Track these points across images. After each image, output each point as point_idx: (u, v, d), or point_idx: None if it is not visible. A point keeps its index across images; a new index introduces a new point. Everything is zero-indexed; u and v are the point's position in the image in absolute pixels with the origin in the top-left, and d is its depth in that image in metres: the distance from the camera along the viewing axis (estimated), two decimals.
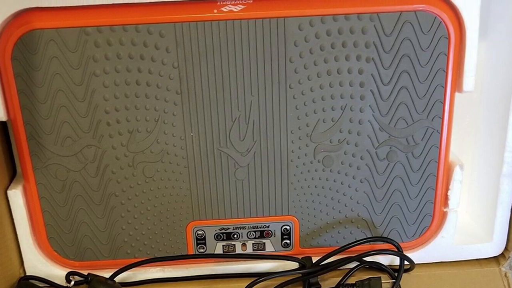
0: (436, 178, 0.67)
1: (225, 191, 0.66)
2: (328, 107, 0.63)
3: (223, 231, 0.69)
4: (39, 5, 0.57)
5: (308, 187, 0.67)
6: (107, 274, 0.67)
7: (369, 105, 0.63)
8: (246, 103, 0.62)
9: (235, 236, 0.69)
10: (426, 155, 0.65)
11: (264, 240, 0.70)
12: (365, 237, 0.69)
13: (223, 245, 0.69)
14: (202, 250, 0.69)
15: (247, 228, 0.69)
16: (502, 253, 0.72)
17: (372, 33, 0.60)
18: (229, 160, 0.65)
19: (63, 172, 0.64)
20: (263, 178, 0.66)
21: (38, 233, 0.67)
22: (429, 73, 0.62)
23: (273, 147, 0.64)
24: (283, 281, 0.67)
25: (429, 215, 0.68)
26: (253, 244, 0.70)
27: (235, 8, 0.59)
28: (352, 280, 0.67)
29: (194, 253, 0.69)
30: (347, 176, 0.66)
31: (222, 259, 0.70)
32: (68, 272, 0.67)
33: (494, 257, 0.72)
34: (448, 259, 0.71)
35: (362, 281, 0.67)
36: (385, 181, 0.67)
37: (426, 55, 0.61)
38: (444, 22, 0.60)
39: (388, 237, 0.69)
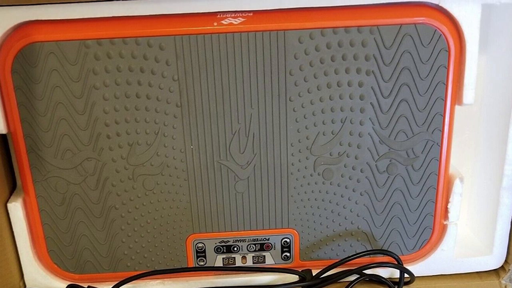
0: (436, 191, 0.65)
1: (225, 204, 0.65)
2: (328, 120, 0.61)
3: (223, 244, 0.67)
4: (39, 18, 0.56)
5: (308, 200, 0.65)
6: (107, 287, 0.66)
7: (369, 118, 0.61)
8: (246, 116, 0.61)
9: (235, 249, 0.67)
10: (426, 168, 0.64)
11: (264, 253, 0.68)
12: (365, 250, 0.67)
13: (223, 258, 0.68)
14: (202, 263, 0.68)
15: (247, 241, 0.67)
16: (502, 266, 0.70)
17: (372, 46, 0.58)
18: (229, 173, 0.63)
19: (63, 185, 0.62)
20: (263, 191, 0.64)
21: (38, 246, 0.66)
22: (429, 86, 0.60)
23: (273, 160, 0.63)
24: None
25: (429, 228, 0.67)
26: (253, 257, 0.68)
27: (235, 21, 0.57)
28: None
29: (194, 266, 0.68)
30: (347, 189, 0.65)
31: (222, 272, 0.68)
32: (68, 285, 0.65)
33: (494, 269, 0.70)
34: (448, 271, 0.70)
35: None
36: (385, 194, 0.65)
37: (426, 68, 0.59)
38: (444, 35, 0.58)
39: (388, 250, 0.67)
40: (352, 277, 0.66)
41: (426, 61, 0.59)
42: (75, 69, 0.58)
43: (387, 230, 0.67)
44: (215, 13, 0.57)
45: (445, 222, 0.67)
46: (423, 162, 0.63)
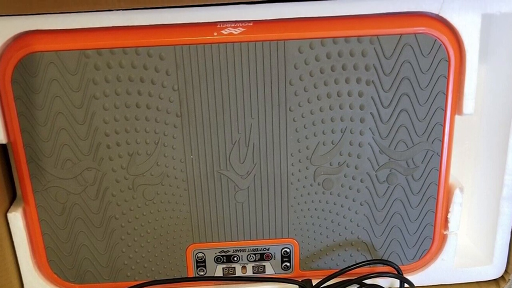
0: (436, 201, 0.63)
1: (225, 213, 0.63)
2: (328, 129, 0.60)
3: (223, 253, 0.65)
4: (39, 28, 0.55)
5: (308, 209, 0.63)
6: None
7: (369, 128, 0.60)
8: (246, 126, 0.59)
9: (235, 258, 0.66)
10: (426, 177, 0.62)
11: (264, 263, 0.66)
12: (365, 259, 0.66)
13: (223, 268, 0.66)
14: (202, 273, 0.66)
15: (247, 250, 0.65)
16: (502, 276, 0.69)
17: (372, 56, 0.57)
18: (229, 182, 0.62)
19: (63, 194, 0.61)
20: (263, 200, 0.63)
21: (38, 256, 0.64)
22: (429, 95, 0.59)
23: (273, 169, 0.61)
24: None
25: (429, 238, 0.65)
26: (253, 266, 0.66)
27: (235, 31, 0.56)
28: None
29: (194, 275, 0.66)
30: (347, 199, 0.63)
31: (222, 281, 0.67)
32: None
33: (494, 279, 0.69)
34: (448, 281, 0.68)
35: None
36: (385, 204, 0.63)
37: (426, 78, 0.58)
38: (444, 45, 0.57)
39: (388, 259, 0.66)
40: (352, 287, 0.64)
41: (426, 71, 0.58)
42: (75, 79, 0.56)
43: (387, 240, 0.65)
44: (215, 23, 0.56)
45: (445, 232, 0.65)
46: (423, 172, 0.62)
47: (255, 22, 0.56)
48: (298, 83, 0.58)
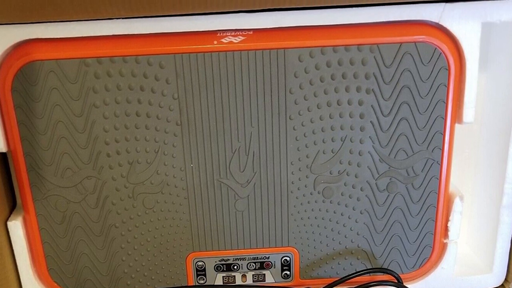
0: (436, 210, 0.62)
1: (225, 222, 0.62)
2: (328, 138, 0.59)
3: (223, 262, 0.64)
4: (39, 37, 0.54)
5: (308, 218, 0.62)
6: None
7: (369, 136, 0.59)
8: (246, 134, 0.58)
9: (235, 267, 0.64)
10: (426, 186, 0.61)
11: (264, 271, 0.65)
12: (365, 268, 0.64)
13: (223, 276, 0.65)
14: (202, 282, 0.65)
15: (247, 259, 0.64)
16: (502, 284, 0.68)
17: (372, 64, 0.56)
18: (229, 191, 0.61)
19: (63, 203, 0.60)
20: (263, 209, 0.62)
21: (38, 264, 0.63)
22: (429, 104, 0.58)
23: (273, 178, 0.60)
24: None
25: (429, 246, 0.64)
26: (253, 275, 0.65)
27: (235, 39, 0.55)
28: None
29: (194, 284, 0.65)
30: (347, 207, 0.62)
31: None
32: None
33: None
34: None
35: None
36: (385, 212, 0.62)
37: (426, 86, 0.57)
38: (444, 53, 0.56)
39: (388, 268, 0.65)
40: None
41: (426, 79, 0.57)
42: (75, 88, 0.55)
43: (387, 248, 0.64)
44: (215, 32, 0.55)
45: (445, 241, 0.64)
46: (423, 181, 0.61)
47: (255, 30, 0.55)
48: (298, 91, 0.57)
